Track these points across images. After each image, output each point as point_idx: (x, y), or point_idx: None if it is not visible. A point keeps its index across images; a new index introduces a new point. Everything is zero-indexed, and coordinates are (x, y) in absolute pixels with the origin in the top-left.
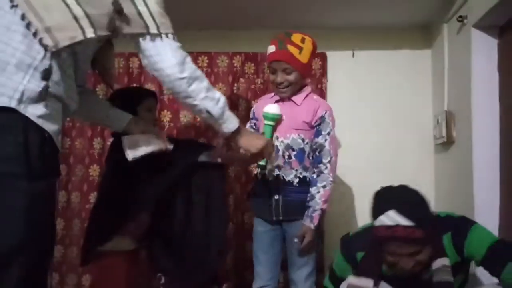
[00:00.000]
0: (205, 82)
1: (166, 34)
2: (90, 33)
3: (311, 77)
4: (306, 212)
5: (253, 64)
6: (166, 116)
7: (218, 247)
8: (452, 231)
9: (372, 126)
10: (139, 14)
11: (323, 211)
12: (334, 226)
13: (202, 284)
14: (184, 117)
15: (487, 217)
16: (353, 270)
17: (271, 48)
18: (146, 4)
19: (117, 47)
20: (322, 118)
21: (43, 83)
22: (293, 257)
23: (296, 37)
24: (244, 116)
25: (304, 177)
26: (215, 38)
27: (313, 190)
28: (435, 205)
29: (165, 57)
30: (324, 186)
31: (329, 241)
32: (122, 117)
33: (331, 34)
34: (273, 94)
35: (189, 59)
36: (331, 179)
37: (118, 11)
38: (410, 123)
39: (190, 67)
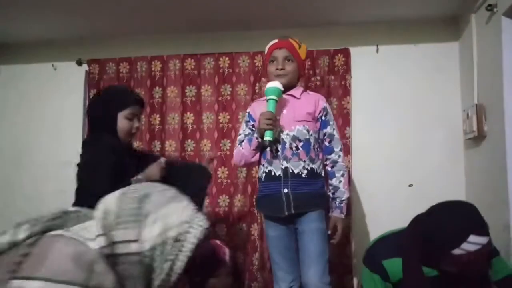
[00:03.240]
0: None
1: None
2: None
3: (333, 74)
4: (332, 204)
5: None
6: (189, 118)
7: None
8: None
9: (399, 122)
10: None
11: (348, 199)
12: (362, 227)
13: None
14: (207, 118)
15: None
16: (385, 282)
17: (273, 41)
18: None
19: (138, 51)
20: (325, 109)
21: None
22: (302, 255)
23: (295, 39)
24: None
25: (312, 168)
26: (236, 38)
27: (334, 181)
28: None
29: None
30: (343, 175)
31: (358, 240)
32: None
33: (354, 30)
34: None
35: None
36: (345, 166)
37: None
38: (439, 118)
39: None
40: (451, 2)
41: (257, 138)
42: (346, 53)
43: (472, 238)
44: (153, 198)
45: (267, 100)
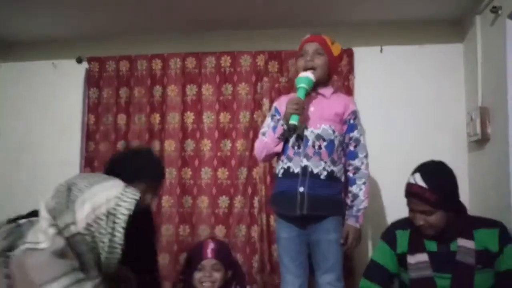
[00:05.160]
0: None
1: None
2: None
3: (336, 74)
4: (349, 212)
5: (276, 63)
6: (190, 117)
7: None
8: (500, 229)
9: (402, 124)
10: None
11: (366, 208)
12: (364, 228)
13: None
14: (207, 118)
15: None
16: (392, 250)
17: (306, 36)
18: None
19: (139, 49)
20: (355, 113)
21: None
22: (319, 261)
23: (328, 36)
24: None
25: (332, 171)
26: (238, 37)
27: (354, 189)
28: (469, 206)
29: None
30: (364, 183)
31: (361, 245)
32: None
33: (358, 30)
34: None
35: None
36: (368, 174)
37: None
38: (442, 120)
39: None
40: (455, 3)
41: (282, 125)
42: (349, 54)
43: (416, 175)
44: (79, 184)
45: (297, 88)
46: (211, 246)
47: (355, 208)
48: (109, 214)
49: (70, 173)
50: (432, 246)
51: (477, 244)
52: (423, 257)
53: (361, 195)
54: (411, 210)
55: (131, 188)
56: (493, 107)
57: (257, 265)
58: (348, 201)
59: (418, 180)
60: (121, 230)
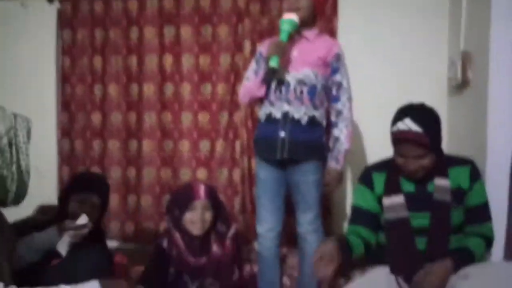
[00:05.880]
0: None
1: None
2: None
3: (320, 17)
4: (330, 154)
5: (258, 3)
6: (168, 60)
7: None
8: (471, 166)
9: (384, 68)
10: None
11: (347, 151)
12: (344, 171)
13: None
14: (187, 60)
15: (499, 162)
16: (370, 191)
17: None
18: None
19: None
20: (338, 56)
21: None
22: (298, 202)
23: None
24: (249, 58)
25: (313, 116)
26: None
27: (335, 132)
28: (447, 149)
29: None
30: (346, 126)
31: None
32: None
33: None
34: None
35: None
36: (351, 118)
37: None
38: (424, 65)
39: None
40: None
41: (264, 69)
42: None
43: (407, 120)
44: None
45: (280, 31)
46: (202, 186)
47: (335, 150)
48: (12, 144)
49: (47, 119)
50: (409, 187)
51: (452, 182)
52: (399, 198)
53: (342, 138)
54: (402, 156)
55: (18, 115)
56: (475, 51)
57: (238, 207)
58: (330, 144)
59: (411, 124)
60: (26, 157)
